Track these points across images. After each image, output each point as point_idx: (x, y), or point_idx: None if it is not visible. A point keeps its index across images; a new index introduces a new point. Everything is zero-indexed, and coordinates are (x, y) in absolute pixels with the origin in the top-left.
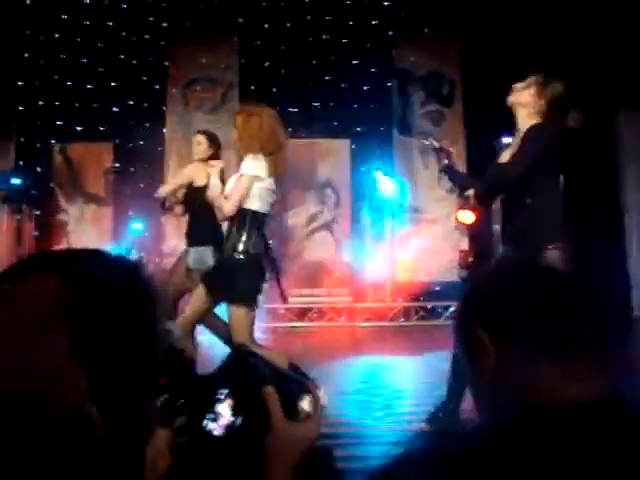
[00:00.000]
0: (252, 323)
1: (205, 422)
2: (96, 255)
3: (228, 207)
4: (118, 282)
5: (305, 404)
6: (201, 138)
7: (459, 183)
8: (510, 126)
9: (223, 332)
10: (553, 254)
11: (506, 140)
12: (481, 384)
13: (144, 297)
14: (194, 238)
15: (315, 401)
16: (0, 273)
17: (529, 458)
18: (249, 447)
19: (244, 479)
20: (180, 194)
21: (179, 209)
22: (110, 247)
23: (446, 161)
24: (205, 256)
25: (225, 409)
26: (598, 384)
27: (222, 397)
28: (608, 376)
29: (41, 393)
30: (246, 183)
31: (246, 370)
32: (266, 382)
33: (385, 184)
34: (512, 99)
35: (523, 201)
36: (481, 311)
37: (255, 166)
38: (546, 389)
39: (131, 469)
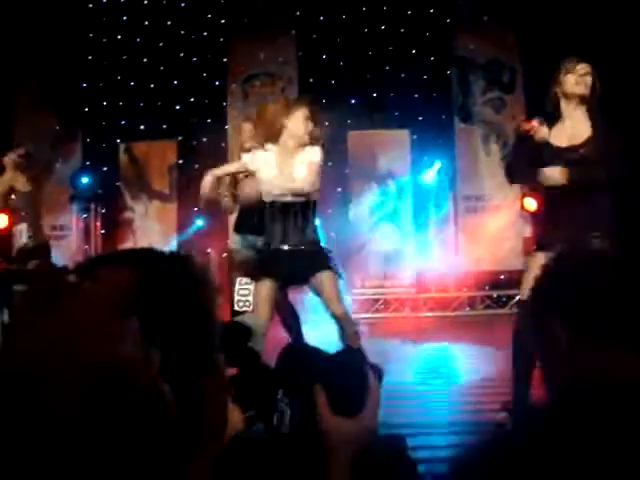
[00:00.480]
0: None
1: (272, 418)
2: (156, 252)
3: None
4: (176, 274)
5: (360, 398)
6: (249, 126)
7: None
8: None
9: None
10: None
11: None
12: (553, 370)
13: (199, 286)
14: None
15: (371, 395)
16: (75, 268)
17: (603, 442)
18: (308, 445)
19: (304, 477)
20: (225, 189)
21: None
22: (173, 242)
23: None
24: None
25: (287, 407)
26: None
27: (284, 395)
28: None
29: (121, 373)
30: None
31: (303, 365)
32: (319, 378)
33: (429, 174)
34: (570, 89)
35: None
36: (553, 298)
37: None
38: (617, 372)
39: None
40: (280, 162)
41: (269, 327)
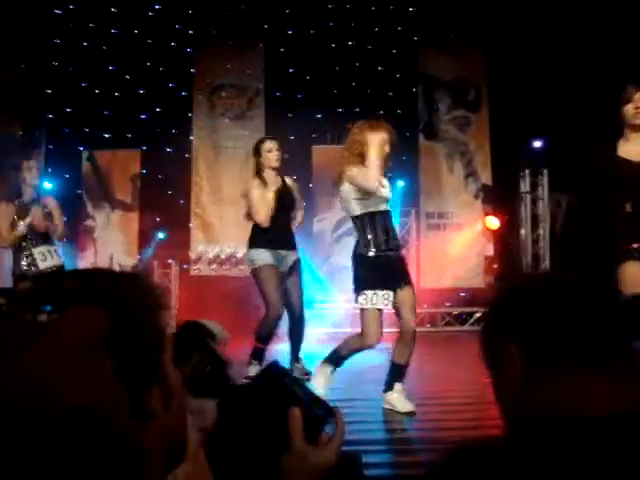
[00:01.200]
0: None
1: (232, 428)
2: (130, 281)
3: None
4: (151, 311)
5: (328, 430)
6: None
7: None
8: (535, 130)
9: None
10: None
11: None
12: (508, 397)
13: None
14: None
15: (338, 429)
16: (45, 304)
17: (560, 473)
18: (267, 462)
19: None
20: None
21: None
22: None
23: None
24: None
25: (252, 421)
26: (629, 394)
27: (250, 409)
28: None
29: (93, 415)
30: None
31: (278, 388)
32: (294, 403)
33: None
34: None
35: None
36: (507, 323)
37: None
38: (575, 400)
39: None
40: None
41: None
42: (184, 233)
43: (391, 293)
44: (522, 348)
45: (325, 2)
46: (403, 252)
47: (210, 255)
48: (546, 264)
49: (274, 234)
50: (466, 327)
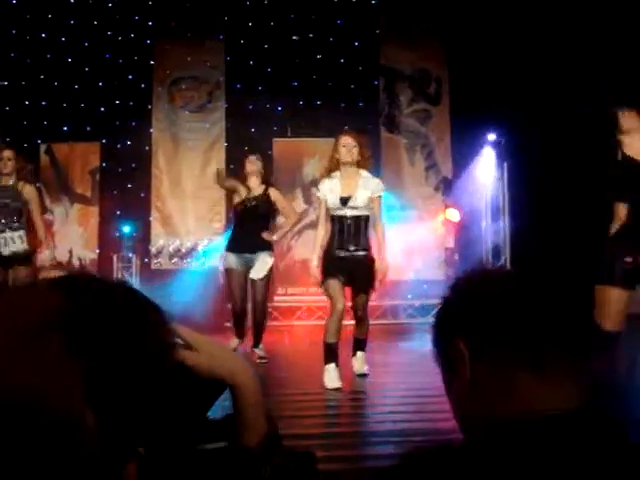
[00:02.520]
0: None
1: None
2: (92, 278)
3: None
4: (111, 301)
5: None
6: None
7: None
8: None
9: None
10: None
11: (491, 137)
12: (459, 394)
13: (132, 311)
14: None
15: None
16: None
17: (510, 471)
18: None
19: None
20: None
21: None
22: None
23: None
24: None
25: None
26: (577, 391)
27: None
28: (587, 381)
29: (38, 392)
30: None
31: None
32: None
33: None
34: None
35: None
36: (456, 320)
37: None
38: (525, 399)
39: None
40: None
41: None
42: (144, 226)
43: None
44: (470, 344)
45: None
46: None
47: (170, 249)
48: (506, 256)
49: None
50: (428, 319)
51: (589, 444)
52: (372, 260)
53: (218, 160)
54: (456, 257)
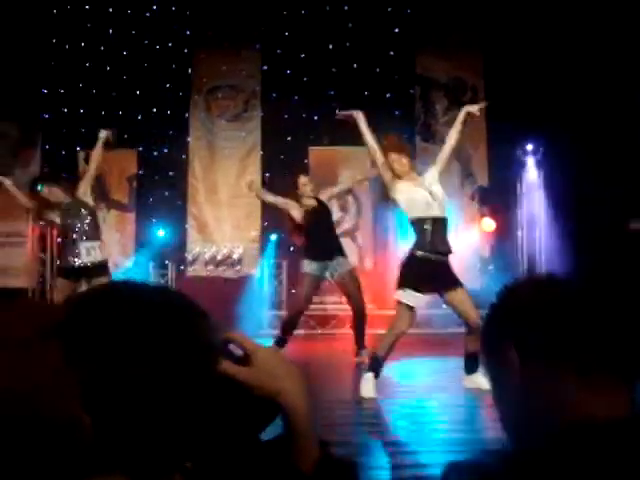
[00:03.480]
0: None
1: None
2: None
3: None
4: (110, 300)
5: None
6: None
7: None
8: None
9: None
10: None
11: (528, 147)
12: (507, 401)
13: (133, 319)
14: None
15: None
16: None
17: (559, 478)
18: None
19: None
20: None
21: None
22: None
23: None
24: None
25: None
26: (624, 400)
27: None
28: (634, 397)
29: (36, 397)
30: None
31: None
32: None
33: None
34: None
35: None
36: (507, 327)
37: None
38: (574, 407)
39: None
40: None
41: None
42: (180, 234)
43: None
44: (521, 351)
45: (322, 3)
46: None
47: (206, 256)
48: (541, 267)
49: None
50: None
51: (633, 455)
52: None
53: (254, 168)
54: (491, 267)
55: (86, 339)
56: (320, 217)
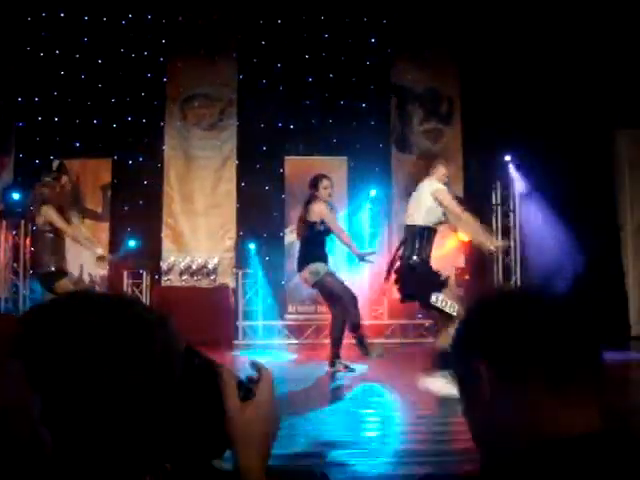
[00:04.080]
0: None
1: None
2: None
3: None
4: (65, 317)
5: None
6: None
7: None
8: (507, 143)
9: None
10: None
11: (505, 157)
12: (478, 416)
13: (86, 331)
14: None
15: (264, 383)
16: None
17: None
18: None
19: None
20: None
21: None
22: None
23: None
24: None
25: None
26: (595, 415)
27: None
28: (604, 402)
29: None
30: None
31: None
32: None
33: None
34: None
35: None
36: (476, 341)
37: None
38: (544, 419)
39: None
40: None
41: None
42: (155, 243)
43: None
44: (490, 364)
45: (299, 13)
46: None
47: (181, 265)
48: (517, 276)
49: None
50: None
51: (617, 466)
52: None
53: (229, 177)
54: (466, 277)
55: (42, 355)
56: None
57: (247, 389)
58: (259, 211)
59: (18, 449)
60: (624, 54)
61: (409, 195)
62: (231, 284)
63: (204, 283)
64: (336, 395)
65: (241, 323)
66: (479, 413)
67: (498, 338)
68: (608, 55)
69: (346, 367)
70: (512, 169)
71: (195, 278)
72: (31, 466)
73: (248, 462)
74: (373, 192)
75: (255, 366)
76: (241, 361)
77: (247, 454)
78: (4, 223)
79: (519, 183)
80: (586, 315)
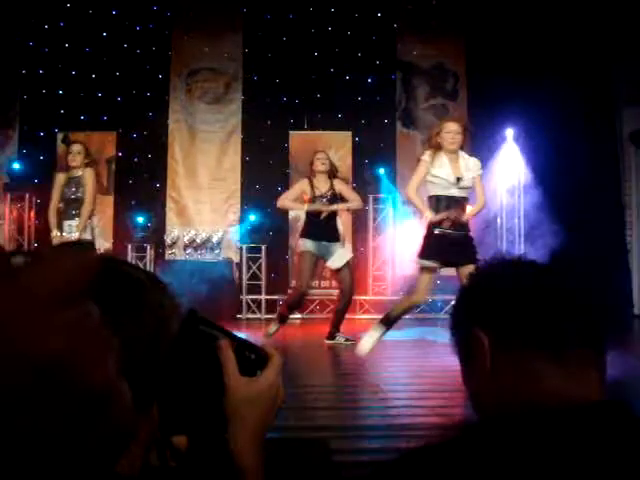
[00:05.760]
0: None
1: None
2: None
3: None
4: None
5: (259, 362)
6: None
7: None
8: (512, 118)
9: None
10: None
11: (508, 132)
12: (477, 384)
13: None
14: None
15: (272, 367)
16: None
17: (529, 461)
18: (209, 411)
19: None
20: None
21: None
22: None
23: None
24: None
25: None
26: (596, 383)
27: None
28: (604, 374)
29: (73, 361)
30: None
31: (200, 336)
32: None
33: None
34: None
35: None
36: (477, 309)
37: None
38: (544, 388)
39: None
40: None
41: None
42: (159, 217)
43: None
44: (490, 333)
45: None
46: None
47: (185, 239)
48: (521, 253)
49: None
50: (440, 314)
51: (606, 439)
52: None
53: (234, 152)
54: None
55: (124, 306)
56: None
57: (250, 361)
58: (263, 185)
59: (95, 401)
60: (635, 30)
61: (413, 171)
62: (235, 258)
63: (208, 257)
64: (336, 368)
65: (245, 297)
66: (479, 382)
67: (497, 305)
68: (618, 29)
69: (347, 340)
70: (511, 146)
71: (199, 252)
72: (108, 421)
73: (241, 445)
74: (382, 171)
75: (264, 351)
76: (244, 335)
77: (241, 436)
78: (8, 196)
79: (514, 158)
80: (587, 285)
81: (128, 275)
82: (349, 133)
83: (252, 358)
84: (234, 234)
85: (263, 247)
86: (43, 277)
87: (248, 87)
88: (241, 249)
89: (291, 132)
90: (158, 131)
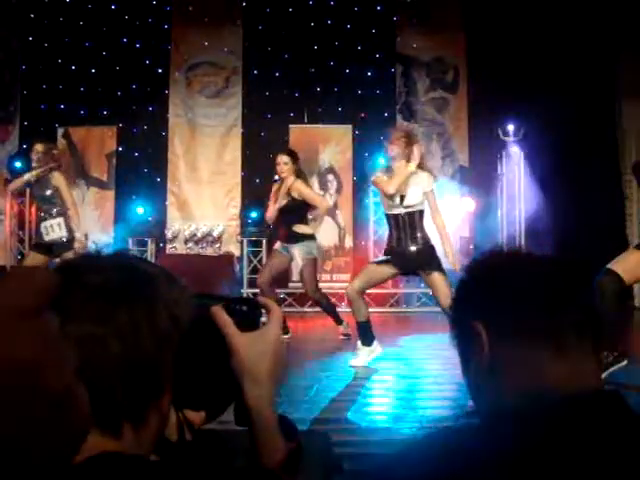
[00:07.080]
0: None
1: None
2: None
3: None
4: (106, 275)
5: (253, 311)
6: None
7: None
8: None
9: None
10: None
11: (509, 126)
12: (477, 376)
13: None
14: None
15: (273, 318)
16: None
17: (532, 451)
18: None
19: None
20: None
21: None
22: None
23: None
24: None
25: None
26: (595, 372)
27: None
28: (600, 364)
29: (33, 368)
30: None
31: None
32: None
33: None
34: None
35: None
36: (475, 301)
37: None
38: (544, 380)
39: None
40: None
41: None
42: (160, 211)
43: None
44: (489, 326)
45: None
46: None
47: (186, 233)
48: (522, 245)
49: None
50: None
51: (605, 428)
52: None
53: (234, 146)
54: (471, 247)
55: (83, 312)
56: (284, 208)
57: (244, 313)
58: (264, 179)
59: (54, 405)
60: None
61: None
62: (236, 252)
63: (209, 251)
64: (337, 361)
65: (246, 291)
66: (478, 372)
67: (495, 298)
68: (619, 29)
69: (345, 335)
70: (511, 139)
71: (200, 246)
72: (67, 423)
73: (257, 401)
74: (381, 160)
75: (261, 303)
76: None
77: (255, 392)
78: (9, 192)
79: (515, 152)
80: (583, 273)
81: (145, 272)
82: (349, 126)
83: (244, 310)
84: (235, 228)
85: (264, 241)
86: (11, 291)
87: (248, 81)
88: (242, 243)
89: (291, 126)
90: (158, 125)
